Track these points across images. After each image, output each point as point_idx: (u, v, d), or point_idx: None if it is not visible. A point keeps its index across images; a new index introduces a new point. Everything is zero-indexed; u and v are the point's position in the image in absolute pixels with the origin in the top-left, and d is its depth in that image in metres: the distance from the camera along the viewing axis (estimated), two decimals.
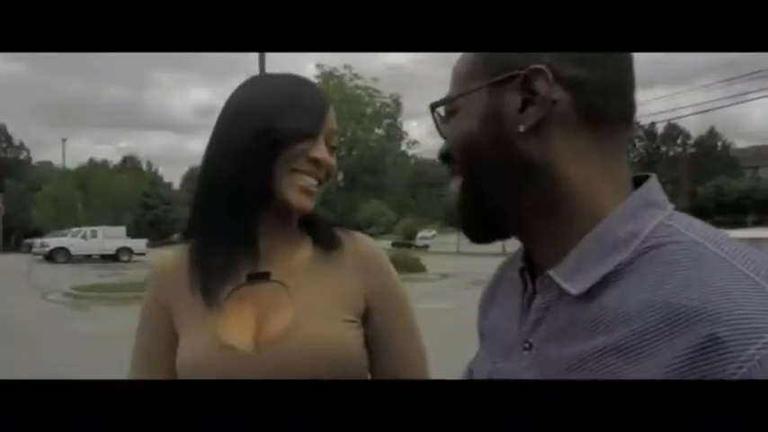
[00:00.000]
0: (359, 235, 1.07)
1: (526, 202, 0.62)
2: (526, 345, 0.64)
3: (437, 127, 0.69)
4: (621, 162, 0.63)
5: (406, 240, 47.12)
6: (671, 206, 0.61)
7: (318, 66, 24.68)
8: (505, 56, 0.61)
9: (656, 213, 0.59)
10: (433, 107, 0.68)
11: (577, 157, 0.60)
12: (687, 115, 51.13)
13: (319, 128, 0.92)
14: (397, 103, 21.67)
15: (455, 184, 0.67)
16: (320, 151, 0.91)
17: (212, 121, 0.96)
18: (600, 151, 0.61)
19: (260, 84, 0.97)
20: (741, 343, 0.45)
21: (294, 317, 0.91)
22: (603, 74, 0.60)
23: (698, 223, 0.58)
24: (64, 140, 48.19)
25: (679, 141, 54.94)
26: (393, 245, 47.35)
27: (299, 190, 0.90)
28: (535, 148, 0.60)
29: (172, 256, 1.03)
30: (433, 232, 48.48)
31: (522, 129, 0.59)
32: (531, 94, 0.59)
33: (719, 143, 53.24)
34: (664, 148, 55.00)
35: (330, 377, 0.85)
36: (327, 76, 20.20)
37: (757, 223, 34.08)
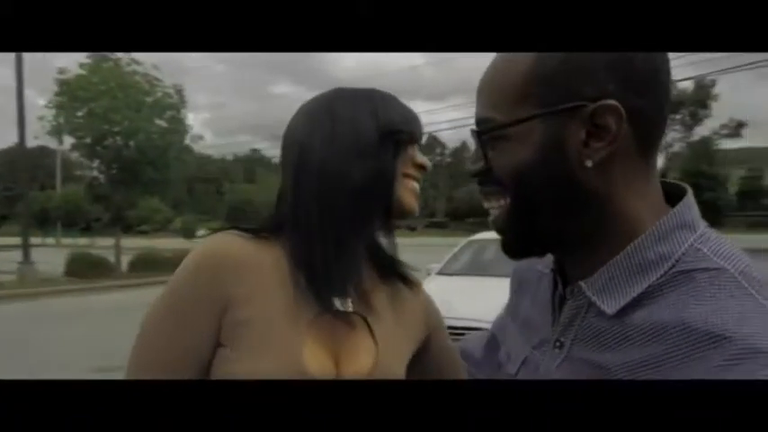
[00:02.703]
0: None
1: (577, 227, 0.63)
2: (557, 343, 0.68)
3: (482, 149, 0.65)
4: (655, 179, 0.65)
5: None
6: (703, 224, 0.62)
7: None
8: (567, 83, 0.59)
9: (688, 235, 0.60)
10: (481, 132, 0.65)
11: (630, 184, 0.62)
12: (444, 129, 57.78)
13: (422, 134, 0.95)
14: (180, 94, 20.45)
15: (497, 205, 0.67)
16: (423, 156, 0.92)
17: None
18: (646, 176, 0.63)
19: (357, 90, 0.93)
20: (749, 368, 0.49)
21: (375, 354, 0.86)
22: (657, 102, 0.61)
23: (726, 247, 0.60)
24: None
25: (438, 151, 61.98)
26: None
27: (410, 193, 0.90)
28: (596, 180, 0.60)
29: (231, 243, 0.84)
30: (203, 231, 46.76)
31: (589, 164, 0.60)
32: (599, 128, 0.59)
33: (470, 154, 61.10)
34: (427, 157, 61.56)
35: None
36: (100, 59, 18.26)
37: None
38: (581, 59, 0.59)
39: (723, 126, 26.52)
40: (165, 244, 30.51)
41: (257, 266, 0.83)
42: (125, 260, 16.95)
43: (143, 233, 39.29)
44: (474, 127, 0.67)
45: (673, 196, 0.65)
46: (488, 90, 0.66)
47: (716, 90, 24.92)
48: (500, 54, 0.66)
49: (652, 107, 0.61)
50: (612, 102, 0.58)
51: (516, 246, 0.69)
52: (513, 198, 0.64)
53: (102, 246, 22.06)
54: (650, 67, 0.61)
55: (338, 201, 0.84)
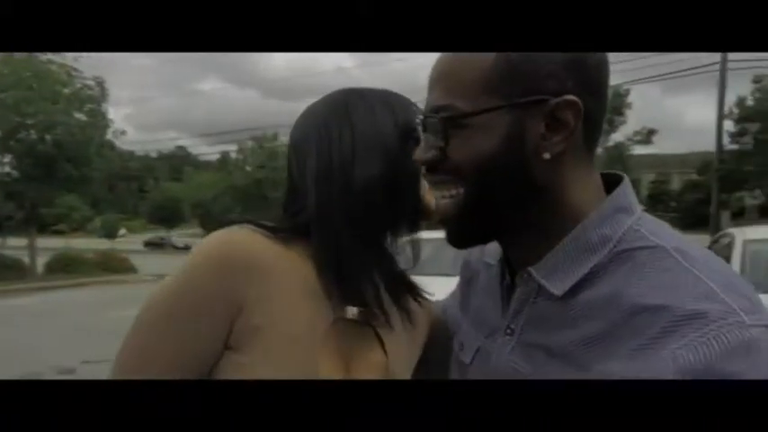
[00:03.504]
0: None
1: (527, 216, 0.66)
2: (508, 330, 0.70)
3: (440, 137, 0.64)
4: (595, 171, 0.68)
5: (158, 239, 42.34)
6: (639, 208, 0.66)
7: None
8: (531, 77, 0.61)
9: (626, 218, 0.64)
10: (442, 119, 0.64)
11: (576, 176, 0.65)
12: None
13: None
14: (101, 87, 19.51)
15: (449, 194, 0.67)
16: None
17: None
18: (589, 168, 0.67)
19: (370, 91, 0.89)
20: (684, 332, 0.53)
21: (386, 366, 0.83)
22: (603, 103, 0.65)
23: (661, 227, 0.65)
24: None
25: None
26: (146, 244, 41.81)
27: (431, 193, 0.84)
28: (549, 171, 0.63)
29: (249, 240, 0.77)
30: (123, 230, 44.85)
31: (547, 156, 0.62)
32: (558, 122, 0.61)
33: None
34: None
35: None
36: None
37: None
38: (544, 55, 0.61)
39: (636, 133, 28.25)
40: (84, 244, 28.98)
41: (276, 268, 0.76)
42: (40, 261, 15.98)
43: (59, 233, 37.21)
44: (428, 114, 0.66)
45: (613, 185, 0.68)
46: (448, 78, 0.65)
47: (629, 99, 26.52)
48: None
49: (599, 107, 0.65)
50: (573, 97, 0.61)
51: (466, 235, 0.70)
52: (469, 187, 0.65)
53: (14, 246, 20.70)
54: (600, 69, 0.65)
55: (369, 204, 0.80)
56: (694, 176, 29.53)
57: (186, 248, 35.94)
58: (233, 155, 43.78)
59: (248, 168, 41.22)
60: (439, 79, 0.66)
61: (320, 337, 0.77)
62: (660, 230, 0.64)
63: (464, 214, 0.66)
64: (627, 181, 0.68)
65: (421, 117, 0.69)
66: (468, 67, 0.63)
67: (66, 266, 15.91)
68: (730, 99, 23.26)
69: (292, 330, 0.75)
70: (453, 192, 0.66)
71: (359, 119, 0.84)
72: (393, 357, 0.85)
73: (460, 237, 0.71)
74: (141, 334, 0.75)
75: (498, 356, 0.71)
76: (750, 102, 24.14)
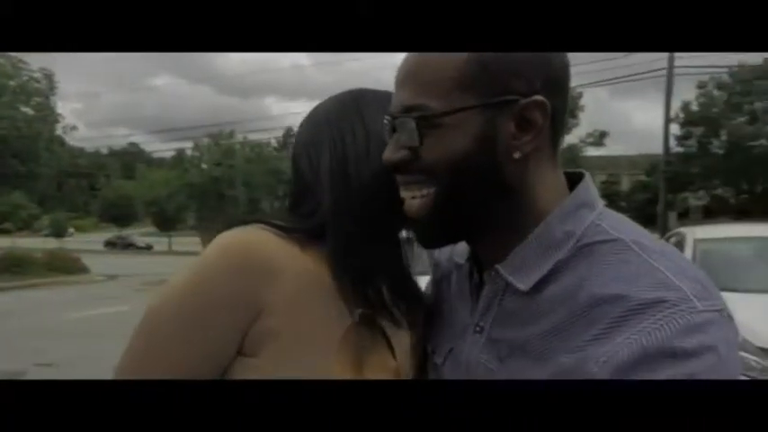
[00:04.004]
0: None
1: (496, 214, 0.67)
2: (477, 328, 0.71)
3: (415, 136, 0.64)
4: (559, 169, 0.69)
5: (118, 239, 40.73)
6: (601, 203, 0.68)
7: None
8: (502, 77, 0.62)
9: (588, 214, 0.66)
10: (415, 119, 0.63)
11: (542, 174, 0.66)
12: None
13: None
14: (49, 80, 18.85)
15: (420, 194, 0.67)
16: None
17: None
18: (554, 167, 0.68)
19: (378, 92, 0.88)
20: (639, 319, 0.55)
21: (396, 370, 0.82)
22: (566, 103, 0.67)
23: (623, 222, 0.66)
24: None
25: None
26: (107, 244, 40.08)
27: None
28: (518, 170, 0.64)
29: (266, 241, 0.75)
30: (71, 230, 43.45)
31: (518, 155, 0.63)
32: (527, 122, 0.62)
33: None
34: None
35: None
36: None
37: None
38: (513, 54, 0.62)
39: (588, 135, 29.06)
40: (31, 243, 27.91)
41: (293, 271, 0.74)
42: None
43: (5, 232, 35.63)
44: (400, 114, 0.65)
45: (576, 183, 0.70)
46: (419, 77, 0.64)
47: (582, 101, 27.23)
48: None
49: (563, 106, 0.66)
50: (542, 98, 0.62)
51: (435, 235, 0.70)
52: (441, 187, 0.65)
53: None
54: (565, 70, 0.66)
55: (384, 204, 0.78)
56: (643, 178, 30.56)
57: (148, 248, 35.04)
58: (188, 152, 42.89)
59: (204, 166, 40.46)
60: (408, 78, 0.66)
61: (336, 341, 0.75)
62: (620, 224, 0.66)
63: (435, 214, 0.67)
64: (588, 178, 0.70)
65: (389, 117, 0.68)
66: (439, 66, 0.63)
67: (12, 267, 15.30)
68: (676, 104, 24.21)
69: (309, 335, 0.73)
70: (424, 192, 0.67)
71: (371, 118, 0.83)
72: (401, 360, 0.83)
73: (430, 237, 0.71)
74: (147, 336, 0.72)
75: (469, 354, 0.71)
76: (694, 107, 25.21)
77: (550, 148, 0.67)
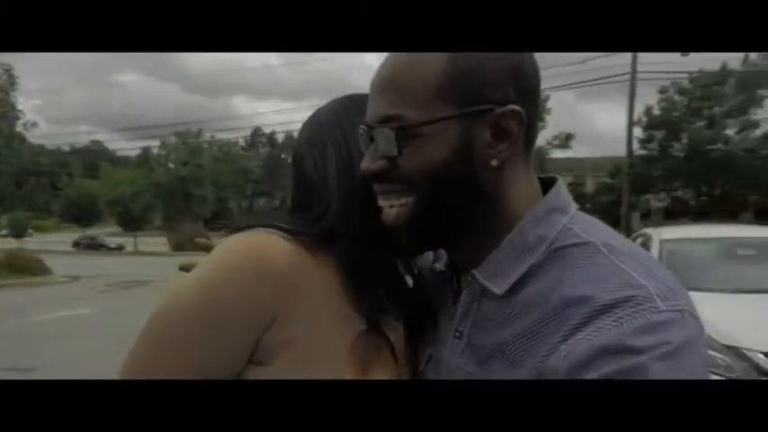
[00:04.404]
0: None
1: (473, 221, 0.68)
2: (457, 333, 0.72)
3: (394, 146, 0.64)
4: (531, 172, 0.71)
5: (89, 240, 39.37)
6: (574, 207, 0.70)
7: None
8: (477, 86, 0.63)
9: (561, 218, 0.67)
10: (394, 129, 0.64)
11: (517, 181, 0.68)
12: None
13: None
14: (9, 75, 18.31)
15: (398, 203, 0.68)
16: None
17: None
18: (528, 172, 0.70)
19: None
20: (603, 318, 0.57)
21: (398, 373, 0.82)
22: (537, 109, 0.68)
23: (594, 225, 0.68)
24: None
25: None
26: (75, 244, 38.65)
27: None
28: (494, 178, 0.66)
29: (278, 247, 0.73)
30: (31, 231, 42.24)
31: (494, 163, 0.64)
32: (502, 131, 0.64)
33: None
34: (284, 155, 60.85)
35: None
36: None
37: None
38: (487, 64, 0.63)
39: (555, 137, 29.59)
40: None
41: (306, 277, 0.74)
42: None
43: None
44: (377, 125, 0.66)
45: (549, 187, 0.71)
46: (396, 87, 0.65)
47: (549, 104, 27.73)
48: (397, 53, 0.67)
49: (535, 113, 0.67)
50: (517, 107, 0.63)
51: (415, 242, 0.71)
52: (420, 196, 0.66)
53: None
54: (536, 77, 0.67)
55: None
56: (607, 180, 31.27)
57: (119, 249, 34.23)
58: (155, 151, 42.08)
59: (171, 165, 39.76)
60: (385, 88, 0.66)
61: (347, 348, 0.74)
62: (592, 227, 0.67)
63: (413, 222, 0.67)
64: (560, 182, 0.72)
65: (365, 127, 0.68)
66: (415, 76, 0.64)
67: None
68: (639, 107, 24.83)
69: (322, 342, 0.72)
70: (402, 201, 0.67)
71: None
72: (404, 366, 0.83)
73: (409, 245, 0.72)
74: (154, 341, 0.70)
75: (449, 360, 0.72)
76: (656, 111, 25.92)
77: (524, 154, 0.68)
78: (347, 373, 0.73)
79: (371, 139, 0.67)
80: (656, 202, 29.45)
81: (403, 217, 0.68)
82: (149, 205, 38.16)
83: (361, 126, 0.69)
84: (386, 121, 0.65)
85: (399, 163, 0.65)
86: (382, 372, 0.79)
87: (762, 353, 3.24)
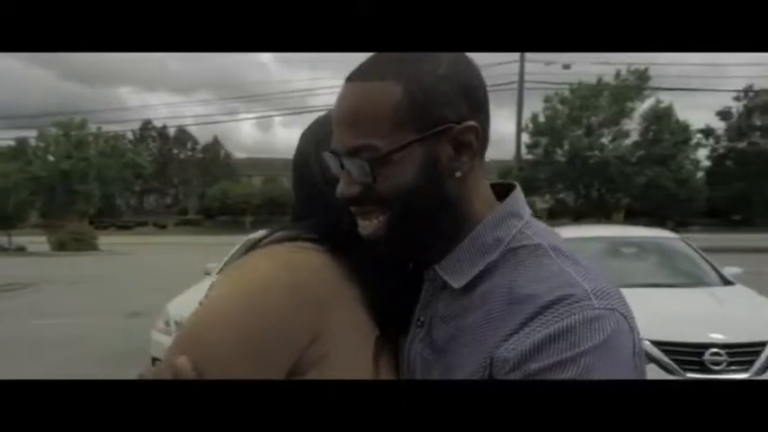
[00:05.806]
0: None
1: (439, 227, 0.73)
2: (419, 322, 0.78)
3: (367, 173, 0.69)
4: (485, 178, 0.76)
5: None
6: (528, 212, 0.76)
7: None
8: (434, 109, 0.68)
9: (516, 222, 0.73)
10: (367, 158, 0.68)
11: (475, 187, 0.74)
12: (191, 124, 54.53)
13: None
14: None
15: (376, 221, 0.72)
16: None
17: None
18: (484, 179, 0.76)
19: None
20: (546, 313, 0.63)
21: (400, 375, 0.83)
22: (488, 117, 0.73)
23: (545, 230, 0.74)
24: None
25: (189, 146, 58.14)
26: None
27: None
28: (458, 188, 0.71)
29: (316, 261, 0.76)
30: None
31: (459, 175, 0.70)
32: (462, 145, 0.69)
33: (222, 152, 58.57)
34: (176, 151, 57.87)
35: None
36: None
37: (254, 224, 38.63)
38: (439, 87, 0.68)
39: None
40: None
41: (340, 292, 0.76)
42: None
43: None
44: (348, 158, 0.70)
45: (506, 193, 0.77)
46: (358, 119, 0.69)
47: None
48: (353, 83, 0.70)
49: (487, 123, 0.73)
50: (473, 122, 0.69)
51: (390, 250, 0.76)
52: (395, 212, 0.71)
53: None
54: (484, 90, 0.73)
55: None
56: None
57: (21, 250, 31.09)
58: (32, 142, 38.65)
59: (52, 158, 36.77)
60: (347, 120, 0.70)
61: (371, 356, 0.75)
62: (542, 232, 0.74)
63: (389, 236, 0.73)
64: (518, 189, 0.78)
65: (333, 157, 0.72)
66: (376, 107, 0.68)
67: None
68: (526, 115, 26.52)
69: (354, 353, 0.74)
70: (380, 218, 0.73)
71: None
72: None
73: (385, 253, 0.77)
74: (195, 358, 0.67)
75: (409, 347, 0.78)
76: (542, 118, 27.85)
77: (480, 161, 0.74)
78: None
79: (342, 166, 0.72)
80: (542, 203, 31.53)
81: (379, 231, 0.73)
82: (26, 201, 35.07)
83: (328, 153, 0.73)
84: (356, 150, 0.69)
85: (374, 187, 0.70)
86: (396, 375, 0.80)
87: (648, 340, 3.58)
